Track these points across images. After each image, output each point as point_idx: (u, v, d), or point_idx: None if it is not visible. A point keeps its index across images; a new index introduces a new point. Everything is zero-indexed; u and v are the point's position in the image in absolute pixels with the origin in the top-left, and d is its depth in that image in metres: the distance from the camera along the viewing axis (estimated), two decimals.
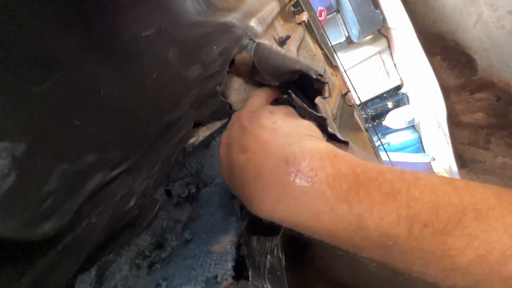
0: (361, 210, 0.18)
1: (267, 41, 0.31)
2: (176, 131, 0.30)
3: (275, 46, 0.30)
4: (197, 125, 0.34)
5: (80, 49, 0.24)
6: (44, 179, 0.20)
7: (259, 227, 0.35)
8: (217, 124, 0.36)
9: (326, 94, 0.30)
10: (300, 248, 0.44)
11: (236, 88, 0.36)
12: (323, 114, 0.27)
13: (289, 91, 0.30)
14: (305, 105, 0.28)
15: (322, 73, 0.30)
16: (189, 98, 0.30)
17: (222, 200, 0.34)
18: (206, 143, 0.39)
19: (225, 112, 0.35)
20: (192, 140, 0.33)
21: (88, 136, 0.24)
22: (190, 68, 0.30)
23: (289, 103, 0.32)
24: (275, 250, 0.32)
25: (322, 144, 0.22)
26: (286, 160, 0.20)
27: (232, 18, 0.32)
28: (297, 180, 0.20)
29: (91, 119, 0.24)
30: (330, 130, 0.29)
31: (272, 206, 0.21)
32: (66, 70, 0.23)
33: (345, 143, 0.30)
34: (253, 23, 0.33)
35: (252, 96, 0.32)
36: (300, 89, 0.37)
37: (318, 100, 0.38)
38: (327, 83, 0.30)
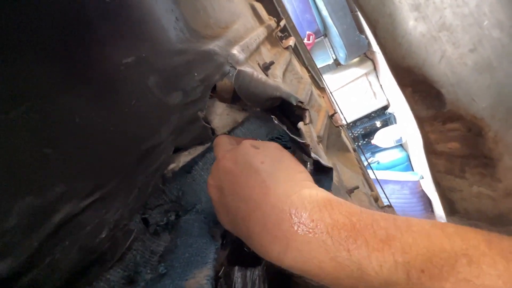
0: (360, 257, 0.19)
1: (248, 68, 0.31)
2: (155, 157, 0.30)
3: (256, 73, 0.31)
4: (178, 150, 0.34)
5: (55, 77, 0.24)
6: (4, 214, 0.18)
7: (241, 256, 0.34)
8: (199, 149, 0.36)
9: (307, 121, 0.30)
10: (285, 276, 0.42)
11: (219, 113, 0.36)
12: (305, 140, 0.27)
13: (272, 116, 0.30)
14: (287, 131, 0.28)
15: (302, 100, 0.30)
16: (169, 124, 0.30)
17: (202, 229, 0.32)
18: (187, 168, 0.38)
19: (207, 137, 0.35)
20: (172, 166, 0.33)
21: (59, 165, 0.23)
22: (171, 95, 0.29)
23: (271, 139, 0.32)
24: (257, 282, 0.30)
25: (319, 192, 0.23)
26: (289, 213, 0.22)
27: (214, 45, 0.32)
28: (300, 232, 0.21)
29: (64, 148, 0.23)
30: (313, 155, 0.29)
31: (279, 256, 0.22)
32: (39, 97, 0.23)
33: (329, 169, 0.29)
34: (235, 50, 0.34)
35: (217, 143, 0.32)
36: (283, 114, 0.37)
37: (301, 124, 0.38)
38: (308, 109, 0.30)
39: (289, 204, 0.22)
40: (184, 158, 0.35)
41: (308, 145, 0.28)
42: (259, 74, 0.31)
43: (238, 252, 0.34)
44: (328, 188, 0.31)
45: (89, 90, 0.25)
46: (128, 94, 0.27)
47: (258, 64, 0.43)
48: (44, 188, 0.22)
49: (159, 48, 0.29)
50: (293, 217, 0.21)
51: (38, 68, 0.23)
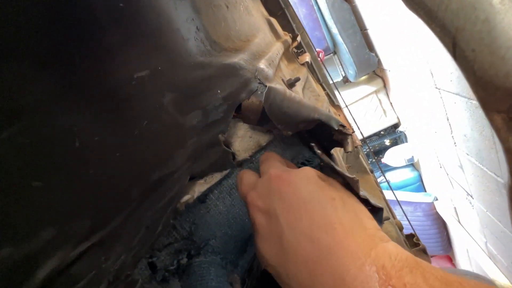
0: None
1: (279, 86, 0.27)
2: (167, 189, 0.25)
3: (288, 91, 0.26)
4: (192, 178, 0.29)
5: (54, 94, 0.19)
6: None
7: None
8: (217, 177, 0.31)
9: (350, 148, 0.25)
10: None
11: (241, 135, 0.31)
12: (354, 176, 0.22)
13: (312, 144, 0.25)
14: (333, 163, 0.23)
15: (343, 123, 0.26)
16: (185, 149, 0.25)
17: (219, 276, 0.27)
18: (201, 197, 0.33)
19: (227, 163, 0.30)
20: (186, 198, 0.28)
21: (49, 202, 0.18)
22: (189, 115, 0.25)
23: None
24: None
25: (399, 248, 0.19)
26: (375, 269, 0.17)
27: (239, 59, 0.28)
28: None
29: (57, 180, 0.19)
30: (362, 194, 0.23)
31: None
32: (31, 118, 0.18)
33: (379, 209, 0.24)
34: (262, 65, 0.29)
35: (266, 160, 0.28)
36: (313, 137, 0.32)
37: (334, 149, 0.33)
38: (350, 134, 0.25)
39: (373, 258, 0.18)
40: (200, 187, 0.30)
41: (357, 181, 0.22)
42: (292, 93, 0.26)
43: None
44: None
45: (94, 108, 0.21)
46: (139, 113, 0.23)
47: (282, 81, 0.39)
48: (29, 234, 0.17)
49: (178, 61, 0.25)
50: (381, 275, 0.17)
51: (35, 80, 0.19)
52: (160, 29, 0.24)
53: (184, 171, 0.26)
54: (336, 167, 0.22)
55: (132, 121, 0.23)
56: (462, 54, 0.17)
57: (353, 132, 0.83)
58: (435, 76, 1.25)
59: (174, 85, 0.24)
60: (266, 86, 0.26)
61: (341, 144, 0.27)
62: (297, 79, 0.38)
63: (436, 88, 1.28)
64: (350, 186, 0.23)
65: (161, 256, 0.26)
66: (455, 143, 1.36)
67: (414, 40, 1.32)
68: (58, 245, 0.18)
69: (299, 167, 0.35)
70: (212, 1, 0.34)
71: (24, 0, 0.18)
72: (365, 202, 0.22)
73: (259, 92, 0.26)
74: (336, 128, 0.25)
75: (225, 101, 0.26)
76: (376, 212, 0.23)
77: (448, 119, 1.31)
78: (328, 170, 0.24)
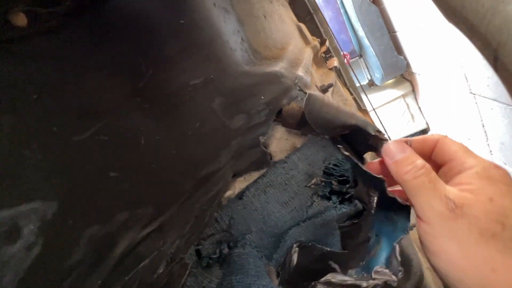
0: None
1: (319, 93, 0.29)
2: (213, 184, 0.28)
3: (327, 98, 0.28)
4: (234, 175, 0.32)
5: (125, 98, 0.23)
6: (71, 247, 0.17)
7: None
8: (255, 175, 0.33)
9: None
10: None
11: (278, 138, 0.33)
12: (381, 176, 0.24)
13: (339, 146, 0.27)
14: (357, 161, 0.25)
15: (379, 129, 0.27)
16: (229, 149, 0.28)
17: (258, 267, 0.29)
18: (239, 194, 0.35)
19: (265, 162, 0.32)
20: (228, 193, 0.30)
21: (122, 190, 0.21)
22: (234, 118, 0.28)
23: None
24: None
25: None
26: None
27: (280, 67, 0.30)
28: None
29: (128, 171, 0.22)
30: (389, 193, 0.25)
31: None
32: (109, 119, 0.22)
33: (406, 207, 0.25)
34: (301, 72, 0.32)
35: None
36: (347, 141, 0.33)
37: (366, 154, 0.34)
38: (386, 140, 0.26)
39: None
40: (240, 184, 0.32)
41: (384, 180, 0.24)
42: (330, 99, 0.28)
43: None
44: (403, 229, 0.27)
45: (156, 110, 0.24)
46: (193, 116, 0.26)
47: (316, 86, 0.41)
48: (109, 215, 0.20)
49: (227, 70, 0.27)
50: None
51: (109, 87, 0.22)
52: (212, 41, 0.27)
53: (228, 168, 0.29)
54: (361, 165, 0.24)
55: (186, 123, 0.26)
56: (503, 67, 0.18)
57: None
58: (470, 81, 1.20)
59: (223, 91, 0.27)
60: (305, 93, 0.28)
61: (375, 148, 0.28)
62: (330, 85, 0.40)
63: (471, 93, 1.23)
64: (377, 185, 0.24)
65: (205, 245, 0.29)
66: (491, 151, 1.28)
67: (446, 43, 1.28)
68: (129, 227, 0.21)
69: (331, 168, 0.37)
70: (253, 12, 0.37)
71: (101, 21, 0.21)
72: (393, 200, 0.24)
73: (299, 98, 0.28)
74: (373, 134, 0.26)
75: (267, 106, 0.28)
76: (403, 209, 0.24)
77: (483, 126, 1.24)
78: (357, 172, 0.26)
